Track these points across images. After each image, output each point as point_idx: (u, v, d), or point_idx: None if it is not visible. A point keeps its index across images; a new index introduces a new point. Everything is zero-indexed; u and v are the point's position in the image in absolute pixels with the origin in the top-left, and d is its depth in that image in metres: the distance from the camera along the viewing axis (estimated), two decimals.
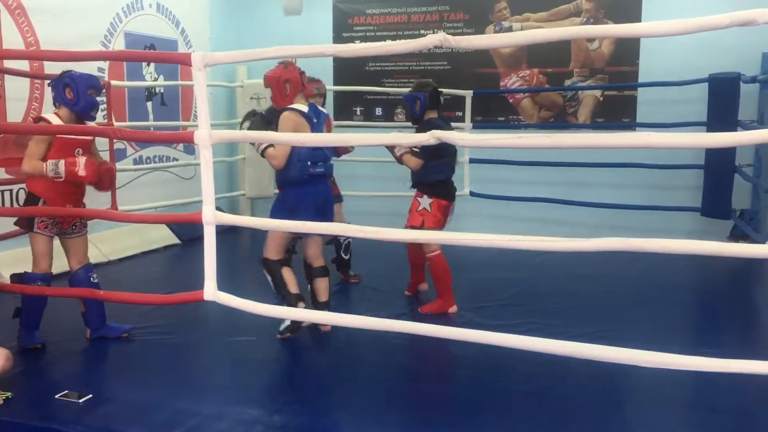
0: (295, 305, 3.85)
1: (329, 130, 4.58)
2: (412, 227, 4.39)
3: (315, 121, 3.97)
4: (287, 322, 3.90)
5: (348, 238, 5.10)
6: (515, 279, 5.18)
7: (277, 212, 3.92)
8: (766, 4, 2.21)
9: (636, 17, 6.68)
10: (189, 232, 6.53)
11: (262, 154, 3.90)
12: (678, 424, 2.97)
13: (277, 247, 4.00)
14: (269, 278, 4.01)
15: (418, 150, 4.31)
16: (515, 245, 2.59)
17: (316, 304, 4.12)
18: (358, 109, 7.89)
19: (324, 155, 4.01)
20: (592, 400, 3.16)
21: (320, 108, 4.16)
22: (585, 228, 4.52)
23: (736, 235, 6.39)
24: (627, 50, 6.84)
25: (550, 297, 4.79)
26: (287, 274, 3.99)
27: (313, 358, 3.81)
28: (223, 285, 3.17)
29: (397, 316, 4.15)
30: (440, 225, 4.45)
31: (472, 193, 6.90)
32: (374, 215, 6.72)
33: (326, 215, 4.04)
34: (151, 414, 2.99)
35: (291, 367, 3.64)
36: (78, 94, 3.71)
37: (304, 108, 3.93)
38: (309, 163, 3.89)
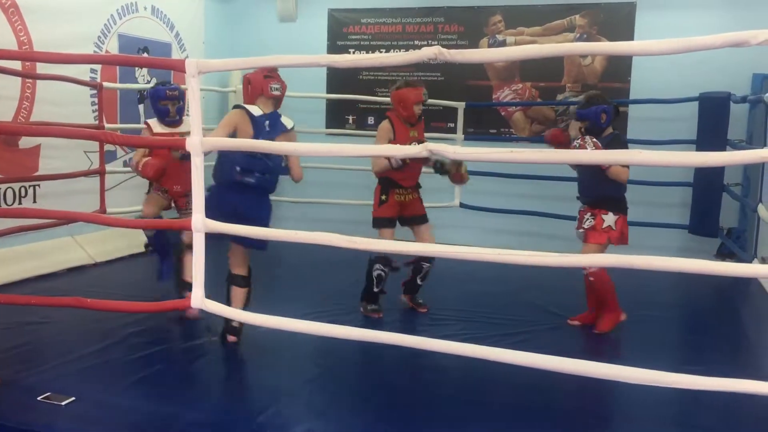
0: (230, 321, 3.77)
1: None
2: (598, 245, 4.22)
3: (267, 129, 3.70)
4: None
5: (432, 265, 4.72)
6: (503, 292, 5.19)
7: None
8: (757, 24, 2.23)
9: (629, 35, 6.74)
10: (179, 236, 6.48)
11: None
12: None
13: (237, 261, 3.91)
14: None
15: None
16: (505, 260, 2.59)
17: None
18: (350, 118, 7.89)
19: (263, 166, 3.64)
20: (579, 416, 3.16)
21: (284, 120, 3.86)
22: (575, 242, 4.53)
23: (723, 254, 6.43)
24: (619, 67, 6.89)
25: (538, 312, 4.80)
26: (237, 293, 3.91)
27: (285, 364, 3.77)
28: (212, 291, 3.16)
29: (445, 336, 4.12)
30: (625, 241, 4.28)
31: (462, 205, 6.92)
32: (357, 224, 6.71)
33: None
34: (133, 418, 2.97)
35: (273, 374, 3.63)
36: (152, 106, 4.66)
37: (257, 111, 3.72)
38: (238, 168, 3.60)
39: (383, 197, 4.61)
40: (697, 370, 2.50)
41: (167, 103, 4.62)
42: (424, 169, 4.73)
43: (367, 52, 7.54)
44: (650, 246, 4.68)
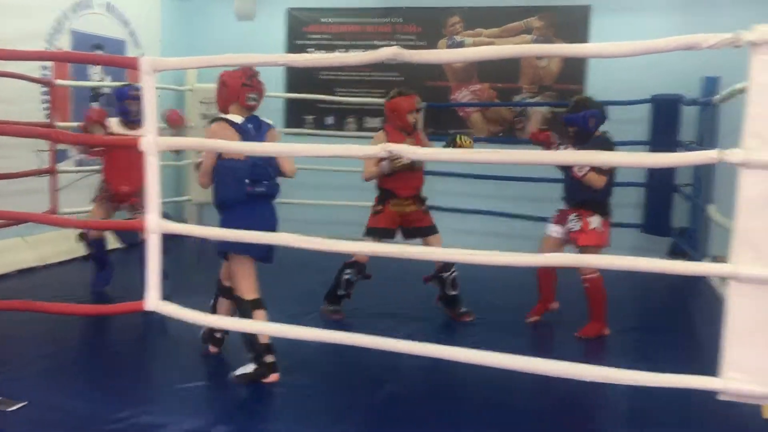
0: (262, 358, 3.43)
1: None
2: (587, 247, 4.21)
3: (253, 133, 3.52)
4: (249, 369, 3.44)
5: (454, 271, 4.63)
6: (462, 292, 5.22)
7: (223, 243, 3.47)
8: (708, 29, 2.29)
9: (584, 37, 6.85)
10: (133, 236, 6.36)
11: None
12: None
13: (249, 284, 3.52)
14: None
15: (605, 168, 4.11)
16: (468, 260, 2.61)
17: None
18: (309, 118, 7.86)
19: (266, 173, 3.49)
20: (535, 414, 3.20)
21: (264, 119, 3.69)
22: (534, 242, 4.58)
23: (674, 252, 6.59)
24: (574, 69, 7.00)
25: (494, 311, 4.84)
26: (259, 317, 3.49)
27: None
28: (167, 293, 3.11)
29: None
30: (608, 244, 4.31)
31: None
32: (313, 224, 6.70)
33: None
34: (87, 421, 2.91)
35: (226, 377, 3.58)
36: (116, 105, 4.85)
37: (238, 119, 3.51)
38: (247, 181, 3.43)
39: (378, 207, 4.54)
40: (650, 367, 2.55)
41: (130, 102, 4.71)
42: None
43: (326, 52, 7.51)
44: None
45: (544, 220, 4.73)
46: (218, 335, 3.78)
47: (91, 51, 6.56)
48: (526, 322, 4.58)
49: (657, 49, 2.36)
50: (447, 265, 4.58)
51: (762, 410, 3.04)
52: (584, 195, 4.25)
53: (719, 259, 5.10)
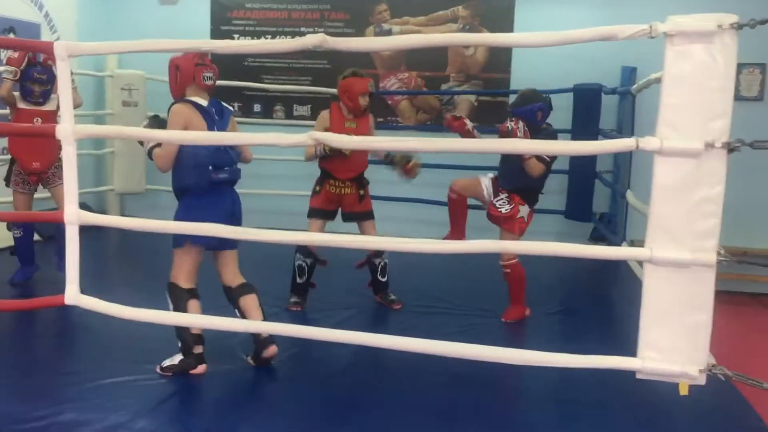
0: (191, 348, 3.36)
1: (234, 131, 3.83)
2: (506, 232, 4.30)
3: (217, 118, 3.44)
4: (175, 360, 3.38)
5: (385, 258, 4.66)
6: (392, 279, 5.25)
7: (177, 235, 3.35)
8: (628, 20, 2.36)
9: (509, 27, 6.96)
10: (50, 228, 6.12)
11: (150, 154, 3.37)
12: (541, 417, 3.13)
13: (187, 272, 3.44)
14: (171, 307, 3.46)
15: (548, 157, 4.15)
16: (396, 247, 2.63)
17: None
18: (235, 105, 7.71)
19: (229, 159, 3.43)
20: (459, 398, 3.26)
21: (225, 105, 3.60)
22: (423, 224, 4.66)
23: (595, 238, 6.81)
24: (500, 58, 7.12)
25: (422, 296, 4.89)
26: (193, 308, 3.43)
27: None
28: (88, 287, 3.01)
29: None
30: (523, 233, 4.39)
31: None
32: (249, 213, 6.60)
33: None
34: (5, 422, 2.81)
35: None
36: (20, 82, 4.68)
37: (203, 102, 3.41)
38: (210, 167, 3.35)
39: (317, 188, 4.53)
40: (572, 348, 2.63)
41: (34, 84, 4.67)
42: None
43: (252, 38, 7.38)
44: (529, 231, 4.87)
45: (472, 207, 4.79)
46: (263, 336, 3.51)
47: (3, 34, 6.23)
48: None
49: (576, 39, 2.42)
50: (379, 252, 4.60)
51: (679, 387, 3.19)
52: (521, 181, 4.30)
53: (637, 243, 5.30)
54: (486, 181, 4.56)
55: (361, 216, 4.60)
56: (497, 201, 4.39)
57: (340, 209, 4.60)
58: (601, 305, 4.97)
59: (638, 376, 2.44)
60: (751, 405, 3.24)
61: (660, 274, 2.34)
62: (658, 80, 2.35)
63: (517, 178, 4.31)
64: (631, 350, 2.45)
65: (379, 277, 4.69)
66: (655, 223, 2.32)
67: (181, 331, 3.35)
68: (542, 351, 2.55)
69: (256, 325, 3.13)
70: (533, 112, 4.26)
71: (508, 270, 4.41)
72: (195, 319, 3.18)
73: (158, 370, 3.37)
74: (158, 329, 3.49)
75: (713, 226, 2.27)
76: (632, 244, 5.75)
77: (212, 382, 3.35)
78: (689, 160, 2.24)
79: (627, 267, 5.47)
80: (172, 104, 3.40)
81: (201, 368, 3.38)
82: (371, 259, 4.65)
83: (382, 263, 4.67)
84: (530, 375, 3.38)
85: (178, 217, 3.33)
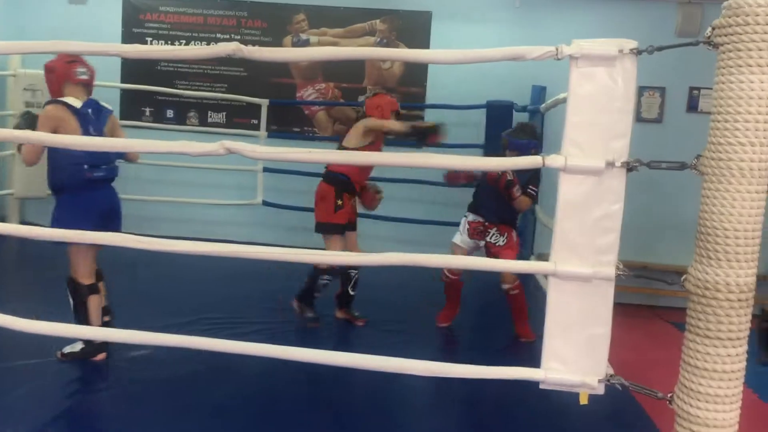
0: (94, 343, 3.39)
1: (116, 131, 3.78)
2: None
3: (93, 118, 3.44)
4: (77, 347, 3.42)
5: (358, 271, 4.59)
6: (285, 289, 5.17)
7: (57, 223, 3.33)
8: (540, 41, 2.43)
9: (425, 42, 7.07)
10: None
11: (18, 148, 3.38)
12: (443, 424, 3.17)
13: (85, 267, 3.45)
14: (71, 302, 3.47)
15: (534, 190, 4.46)
16: (300, 259, 2.60)
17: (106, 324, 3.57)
18: (147, 110, 7.50)
19: (106, 157, 3.48)
20: (361, 407, 3.27)
21: (103, 104, 3.60)
22: (376, 240, 4.68)
23: None
24: (416, 72, 7.21)
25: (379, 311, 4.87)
26: (93, 303, 3.45)
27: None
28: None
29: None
30: None
31: (264, 203, 6.86)
32: (160, 221, 6.44)
33: (111, 227, 3.44)
34: None
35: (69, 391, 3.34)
36: None
37: (77, 102, 3.40)
38: (86, 166, 3.36)
39: (339, 202, 4.38)
40: (479, 360, 2.68)
41: None
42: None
43: (166, 43, 7.20)
44: (439, 243, 4.95)
45: (378, 218, 4.83)
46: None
47: None
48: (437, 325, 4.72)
49: (486, 58, 2.48)
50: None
51: (579, 397, 3.30)
52: (508, 214, 4.59)
53: (544, 257, 5.46)
54: (461, 237, 4.72)
55: (354, 226, 4.63)
56: (491, 237, 4.59)
57: None
58: (509, 318, 5.08)
59: (541, 386, 2.50)
60: (647, 413, 3.39)
61: (563, 287, 2.41)
62: (564, 100, 2.44)
63: (505, 212, 4.58)
64: (536, 362, 2.51)
65: (350, 290, 4.65)
66: (559, 237, 2.40)
67: (82, 319, 3.36)
68: (450, 363, 2.58)
69: (140, 336, 3.01)
70: (528, 149, 4.43)
71: (516, 291, 4.55)
72: (87, 331, 3.06)
73: (59, 355, 3.40)
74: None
75: (612, 242, 2.36)
76: (539, 257, 5.92)
77: (116, 394, 3.22)
78: (591, 177, 2.33)
79: (535, 280, 5.63)
80: (46, 103, 3.42)
81: (101, 356, 3.42)
82: (347, 270, 4.59)
83: (356, 276, 4.62)
84: (436, 387, 3.43)
85: (55, 215, 3.39)
